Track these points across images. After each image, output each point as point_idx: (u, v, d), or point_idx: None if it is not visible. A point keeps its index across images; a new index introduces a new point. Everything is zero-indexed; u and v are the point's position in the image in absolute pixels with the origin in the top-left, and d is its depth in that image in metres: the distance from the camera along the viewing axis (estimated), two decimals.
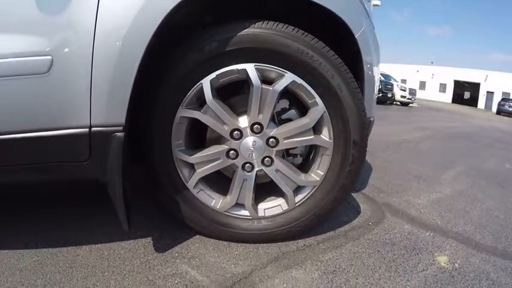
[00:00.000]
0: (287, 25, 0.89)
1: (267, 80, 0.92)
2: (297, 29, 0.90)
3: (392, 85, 11.88)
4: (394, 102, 12.64)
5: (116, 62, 0.75)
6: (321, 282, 0.89)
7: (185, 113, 0.91)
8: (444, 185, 2.05)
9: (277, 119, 1.00)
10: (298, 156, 1.09)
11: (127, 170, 0.84)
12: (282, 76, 0.90)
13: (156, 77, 0.88)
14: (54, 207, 1.21)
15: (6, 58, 0.71)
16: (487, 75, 31.19)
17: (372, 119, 1.20)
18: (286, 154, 1.05)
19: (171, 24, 0.79)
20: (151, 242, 1.02)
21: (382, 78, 13.17)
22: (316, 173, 1.02)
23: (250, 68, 0.88)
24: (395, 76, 19.65)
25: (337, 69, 0.91)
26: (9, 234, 1.02)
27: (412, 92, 12.85)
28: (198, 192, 1.00)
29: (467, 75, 32.57)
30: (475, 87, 32.28)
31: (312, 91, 0.92)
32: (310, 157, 1.08)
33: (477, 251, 1.21)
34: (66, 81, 0.74)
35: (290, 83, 0.90)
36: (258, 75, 0.89)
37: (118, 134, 0.79)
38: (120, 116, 0.79)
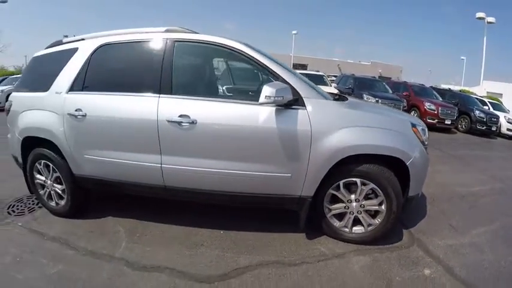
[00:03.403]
0: (377, 166, 2.46)
1: (363, 184, 2.51)
2: (381, 168, 2.45)
3: (498, 118, 11.85)
4: (500, 134, 12.30)
5: (316, 174, 2.43)
6: (359, 263, 2.44)
7: (331, 191, 2.58)
8: (466, 236, 2.95)
9: (366, 196, 2.58)
10: (373, 210, 2.66)
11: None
12: (369, 184, 2.49)
13: (326, 177, 2.53)
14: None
15: (271, 173, 2.45)
16: None
17: (416, 195, 2.66)
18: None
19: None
20: (304, 235, 2.75)
21: (490, 107, 12.96)
22: (378, 220, 2.59)
23: (358, 180, 2.50)
24: (508, 102, 17.69)
25: (392, 186, 2.46)
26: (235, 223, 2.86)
27: None
28: (330, 219, 2.67)
29: None
30: None
31: (380, 191, 2.49)
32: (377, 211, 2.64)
33: (450, 276, 2.32)
34: (296, 178, 2.45)
35: (372, 187, 2.49)
36: (361, 182, 2.50)
37: (309, 199, 2.51)
38: (312, 192, 2.50)
